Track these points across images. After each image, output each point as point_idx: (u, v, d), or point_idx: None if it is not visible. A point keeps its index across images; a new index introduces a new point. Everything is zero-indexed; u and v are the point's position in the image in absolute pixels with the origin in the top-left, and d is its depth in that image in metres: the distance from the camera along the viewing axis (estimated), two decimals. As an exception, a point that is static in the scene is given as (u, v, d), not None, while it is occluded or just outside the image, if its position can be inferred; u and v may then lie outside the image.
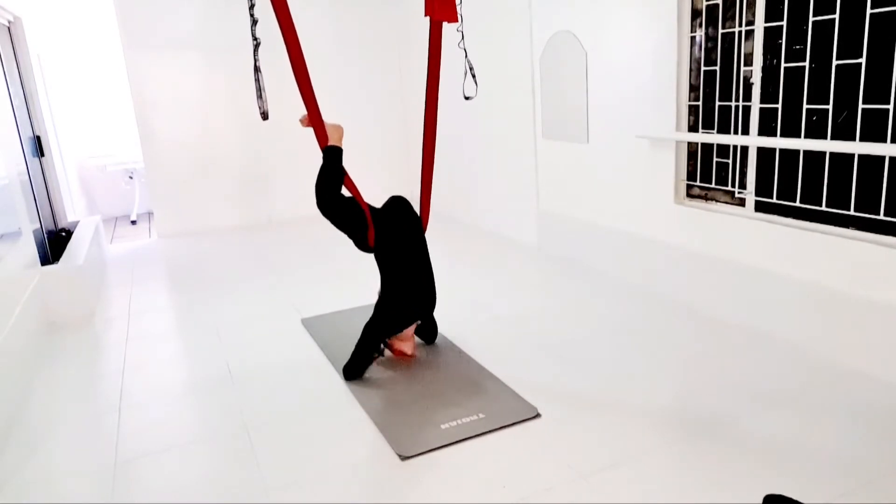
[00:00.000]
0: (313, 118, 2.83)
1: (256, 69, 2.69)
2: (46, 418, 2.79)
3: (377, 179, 5.92)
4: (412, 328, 3.07)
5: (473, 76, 3.04)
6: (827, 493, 2.01)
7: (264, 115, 2.76)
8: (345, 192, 3.00)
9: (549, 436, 2.42)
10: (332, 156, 2.89)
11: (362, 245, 3.03)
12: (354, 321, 3.55)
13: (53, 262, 4.15)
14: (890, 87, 2.61)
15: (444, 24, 2.91)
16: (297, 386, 2.94)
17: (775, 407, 2.54)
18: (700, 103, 3.52)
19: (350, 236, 3.03)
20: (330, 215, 2.89)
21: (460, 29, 2.97)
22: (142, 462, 2.40)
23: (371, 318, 2.99)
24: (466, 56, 3.03)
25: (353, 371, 2.91)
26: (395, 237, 2.98)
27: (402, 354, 3.08)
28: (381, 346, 3.00)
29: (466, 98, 3.11)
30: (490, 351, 3.14)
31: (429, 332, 3.25)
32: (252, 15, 2.60)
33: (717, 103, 3.42)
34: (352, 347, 2.98)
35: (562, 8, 4.26)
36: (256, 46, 2.66)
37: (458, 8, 2.91)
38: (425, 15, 2.87)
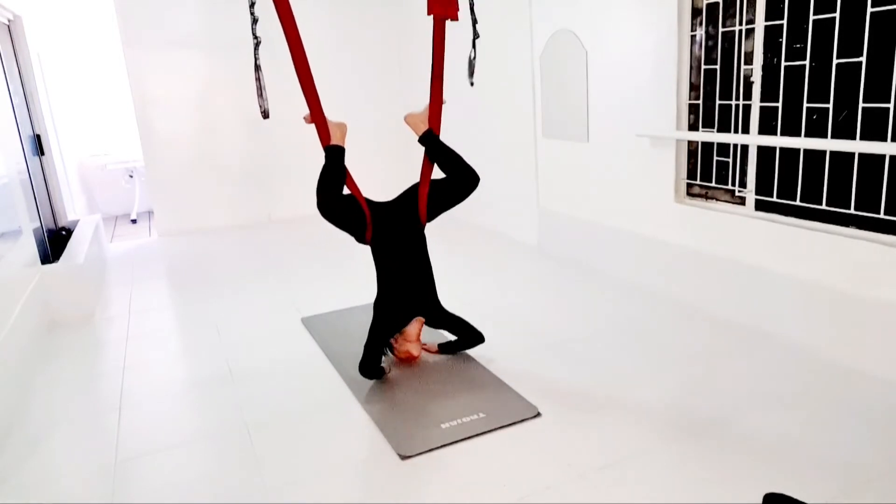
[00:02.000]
0: (315, 116, 2.81)
1: (257, 68, 2.69)
2: (46, 417, 2.79)
3: (377, 178, 5.90)
4: (416, 329, 3.01)
5: (472, 66, 3.05)
6: (827, 492, 2.01)
7: (265, 114, 2.76)
8: (344, 189, 3.00)
9: (549, 436, 2.42)
10: (334, 155, 2.87)
11: (361, 240, 3.02)
12: (354, 320, 3.56)
13: (54, 261, 4.15)
14: (890, 85, 2.60)
15: (447, 22, 2.91)
16: (297, 385, 2.94)
17: (776, 406, 2.54)
18: (700, 102, 3.51)
19: (349, 233, 3.03)
20: (329, 216, 2.86)
21: (475, 19, 2.99)
22: (142, 461, 2.40)
23: (372, 318, 2.98)
24: (474, 43, 3.02)
25: (367, 369, 2.87)
26: (390, 232, 2.97)
27: (407, 355, 3.05)
28: (386, 347, 2.98)
29: (471, 83, 3.11)
30: (490, 350, 3.13)
31: (466, 334, 3.10)
32: (252, 13, 2.60)
33: (718, 102, 3.42)
34: (352, 346, 2.96)
35: (562, 6, 4.26)
36: (257, 45, 2.66)
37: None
38: (428, 13, 2.87)
